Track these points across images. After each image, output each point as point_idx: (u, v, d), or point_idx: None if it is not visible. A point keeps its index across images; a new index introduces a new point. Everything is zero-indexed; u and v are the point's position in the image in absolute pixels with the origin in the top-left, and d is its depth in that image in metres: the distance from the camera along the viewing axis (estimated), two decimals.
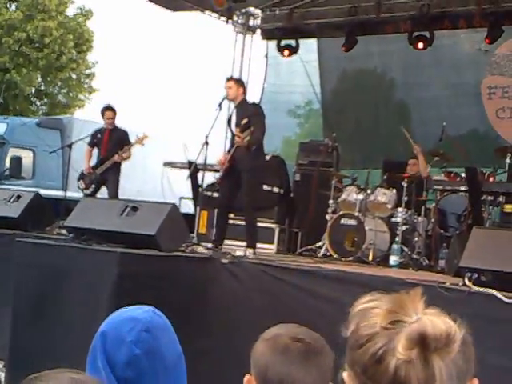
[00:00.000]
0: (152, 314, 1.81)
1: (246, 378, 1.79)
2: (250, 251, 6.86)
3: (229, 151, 7.26)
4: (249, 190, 7.03)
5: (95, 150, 9.51)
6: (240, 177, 7.06)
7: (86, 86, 20.87)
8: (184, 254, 6.19)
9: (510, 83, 10.61)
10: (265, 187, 9.18)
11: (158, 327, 1.79)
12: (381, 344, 1.18)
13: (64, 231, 7.18)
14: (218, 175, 7.39)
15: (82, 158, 9.70)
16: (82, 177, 9.39)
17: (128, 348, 1.72)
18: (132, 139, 9.37)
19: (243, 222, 7.34)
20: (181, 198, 11.60)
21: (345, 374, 1.27)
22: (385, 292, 1.28)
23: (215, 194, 8.63)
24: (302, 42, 11.84)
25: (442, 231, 8.26)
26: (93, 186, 9.24)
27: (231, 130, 7.27)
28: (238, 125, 7.08)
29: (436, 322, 1.17)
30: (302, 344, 1.77)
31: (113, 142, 9.23)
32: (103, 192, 9.45)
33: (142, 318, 1.78)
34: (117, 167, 9.23)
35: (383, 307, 1.22)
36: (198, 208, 8.88)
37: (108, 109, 9.36)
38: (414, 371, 1.15)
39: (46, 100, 20.53)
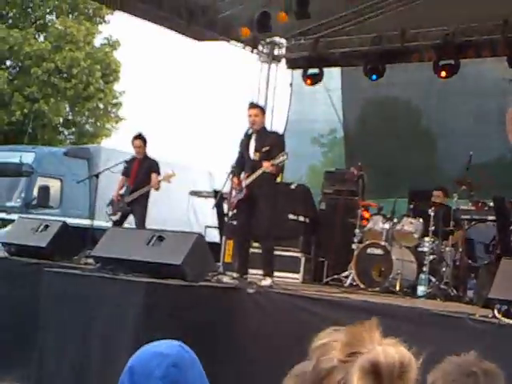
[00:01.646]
0: (179, 348, 1.81)
1: None
2: (268, 279, 6.81)
3: (240, 174, 7.21)
4: (268, 218, 7.00)
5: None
6: (256, 204, 7.03)
7: (112, 115, 21.11)
8: (210, 284, 6.19)
9: None
10: (290, 216, 9.17)
11: (185, 362, 1.78)
12: (339, 377, 1.18)
13: (91, 260, 7.21)
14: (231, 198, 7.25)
15: (109, 187, 9.75)
16: (110, 203, 9.43)
17: (156, 383, 1.72)
18: (161, 169, 9.38)
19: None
20: (206, 227, 11.62)
21: None
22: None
23: None
24: (325, 70, 11.90)
25: (470, 261, 8.17)
26: (119, 214, 9.26)
27: (248, 154, 7.19)
28: (257, 150, 7.07)
29: (388, 350, 1.16)
30: None
31: (142, 172, 9.23)
32: (130, 221, 9.48)
33: (169, 352, 1.78)
34: (145, 199, 9.24)
35: (340, 340, 1.21)
36: (223, 237, 8.88)
37: (137, 138, 9.40)
38: None
39: (73, 129, 20.79)
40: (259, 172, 6.92)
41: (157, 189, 9.23)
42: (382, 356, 1.15)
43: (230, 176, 7.28)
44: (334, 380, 1.18)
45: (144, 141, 9.38)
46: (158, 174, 9.24)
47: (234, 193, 7.14)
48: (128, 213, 9.27)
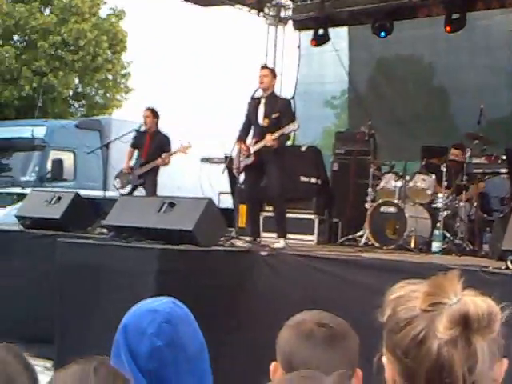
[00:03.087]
0: (172, 304, 1.81)
1: (272, 365, 1.78)
2: (282, 241, 6.83)
3: (245, 138, 7.18)
4: (277, 181, 6.98)
5: (136, 152, 9.53)
6: (264, 169, 7.01)
7: (122, 86, 21.05)
8: (222, 248, 6.20)
9: None
10: (302, 178, 9.14)
11: (178, 318, 1.78)
12: (422, 326, 1.18)
13: (104, 230, 7.24)
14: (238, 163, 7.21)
15: (121, 157, 9.76)
16: (118, 175, 9.44)
17: (149, 340, 1.72)
18: (173, 142, 9.36)
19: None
20: (220, 193, 11.62)
21: (384, 359, 1.27)
22: (424, 279, 1.27)
23: None
24: (333, 30, 11.75)
25: (484, 215, 8.12)
26: (129, 185, 9.28)
27: (256, 118, 7.13)
28: (266, 116, 7.02)
29: (477, 302, 1.18)
30: (327, 329, 1.75)
31: (154, 146, 9.23)
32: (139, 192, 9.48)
33: (161, 309, 1.78)
34: (155, 171, 9.25)
35: (421, 291, 1.22)
36: (236, 202, 8.87)
37: (147, 109, 9.39)
38: (456, 352, 1.15)
39: (83, 102, 20.77)
40: (263, 143, 6.87)
41: (166, 164, 9.23)
42: (472, 307, 1.16)
43: (237, 140, 7.25)
44: (415, 329, 1.19)
45: (154, 113, 9.36)
46: (170, 148, 9.24)
47: (240, 157, 7.11)
48: (138, 185, 9.27)
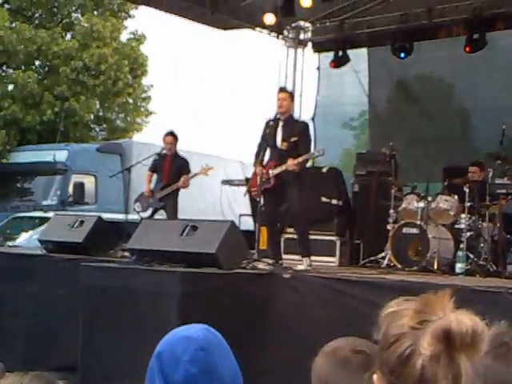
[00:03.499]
0: (206, 331, 1.81)
1: None
2: (306, 261, 6.82)
3: (263, 161, 7.20)
4: (297, 202, 6.98)
5: (154, 175, 9.59)
6: (284, 191, 7.01)
7: (142, 109, 21.19)
8: (245, 271, 6.19)
9: None
10: (323, 199, 9.13)
11: (212, 345, 1.78)
12: (408, 344, 1.18)
13: (127, 254, 7.27)
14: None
15: (142, 180, 9.82)
16: (139, 199, 9.47)
17: (184, 368, 1.71)
18: (192, 164, 9.41)
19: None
20: (240, 215, 11.63)
21: (375, 377, 1.26)
22: (452, 296, 1.27)
23: None
24: (353, 52, 11.79)
25: (508, 236, 8.04)
26: (150, 209, 9.31)
27: (274, 142, 7.16)
28: (285, 140, 7.04)
29: (462, 319, 1.17)
30: (363, 355, 1.73)
31: (174, 169, 9.27)
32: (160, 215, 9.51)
33: (196, 336, 1.77)
34: (176, 193, 9.29)
35: (411, 308, 1.22)
36: (257, 224, 8.87)
37: (168, 134, 9.45)
38: (440, 370, 1.14)
39: (104, 125, 20.93)
40: (284, 167, 6.90)
41: (186, 187, 9.27)
42: (454, 323, 1.16)
43: (254, 163, 7.27)
44: (402, 346, 1.19)
45: (175, 137, 9.43)
46: (189, 171, 9.28)
47: (259, 181, 7.12)
48: (159, 208, 9.30)
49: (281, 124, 7.12)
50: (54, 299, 7.13)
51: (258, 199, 7.26)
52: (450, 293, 1.23)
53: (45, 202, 13.84)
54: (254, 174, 7.25)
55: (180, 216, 9.14)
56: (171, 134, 9.46)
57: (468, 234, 7.78)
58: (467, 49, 10.18)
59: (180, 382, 1.70)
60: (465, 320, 1.16)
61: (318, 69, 12.72)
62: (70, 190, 13.89)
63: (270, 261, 7.03)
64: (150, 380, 1.76)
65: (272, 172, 7.06)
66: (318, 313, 5.74)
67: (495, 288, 5.10)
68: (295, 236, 7.67)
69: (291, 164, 6.77)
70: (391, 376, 1.20)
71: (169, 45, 42.67)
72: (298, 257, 7.32)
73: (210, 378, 1.72)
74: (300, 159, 6.78)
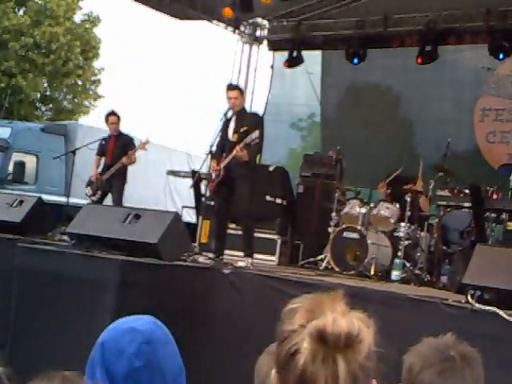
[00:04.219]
0: (153, 325, 1.78)
1: None
2: (248, 260, 6.84)
3: (221, 157, 7.19)
4: (247, 199, 7.00)
5: (103, 159, 9.50)
6: (234, 185, 7.02)
7: (91, 92, 20.90)
8: (185, 264, 6.17)
9: (506, 105, 10.52)
10: (267, 198, 9.17)
11: (158, 339, 1.76)
12: (295, 341, 1.19)
13: (66, 237, 7.16)
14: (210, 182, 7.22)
15: (86, 164, 9.69)
16: (89, 183, 9.38)
17: (128, 360, 1.69)
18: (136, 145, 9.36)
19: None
20: (183, 207, 11.59)
21: (273, 372, 1.28)
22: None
23: None
24: (307, 53, 11.86)
25: (444, 247, 8.23)
26: (99, 192, 9.22)
27: (227, 135, 7.17)
28: (236, 131, 7.06)
29: (339, 320, 1.18)
30: None
31: (118, 148, 9.24)
32: (109, 199, 9.42)
33: (142, 329, 1.75)
34: (122, 174, 9.23)
35: (304, 307, 1.23)
36: (200, 217, 8.86)
37: (111, 114, 9.40)
38: (319, 369, 1.16)
39: (51, 105, 20.55)
40: (231, 155, 6.90)
41: (132, 162, 9.20)
42: (329, 324, 1.17)
43: (209, 158, 7.25)
44: (289, 343, 1.20)
45: (118, 117, 9.40)
46: (134, 148, 9.24)
47: (213, 176, 7.11)
48: (107, 189, 9.23)
49: (234, 118, 7.15)
50: None
51: (210, 194, 7.24)
52: (342, 293, 1.24)
53: None
54: (212, 169, 7.24)
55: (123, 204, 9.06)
56: (113, 113, 9.42)
57: (406, 242, 7.94)
58: (419, 60, 10.35)
59: (122, 373, 1.68)
60: (341, 322, 1.18)
61: (272, 67, 12.74)
62: (10, 168, 13.58)
63: (211, 255, 7.03)
64: (90, 369, 1.73)
65: (222, 163, 7.06)
66: (256, 310, 5.77)
67: (430, 298, 5.21)
68: (237, 232, 7.68)
69: (237, 150, 6.79)
70: (280, 373, 1.23)
71: (124, 29, 42.14)
72: (239, 253, 7.33)
73: (153, 372, 1.70)
74: (241, 144, 6.80)
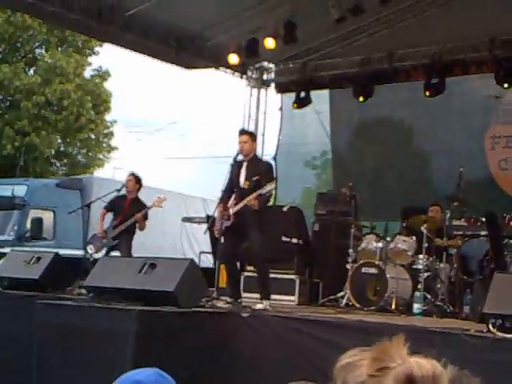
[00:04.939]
0: (157, 376, 1.79)
1: None
2: (266, 302, 6.80)
3: (228, 200, 7.23)
4: (258, 243, 6.99)
5: (109, 214, 9.46)
6: (244, 231, 7.03)
7: (104, 145, 21.14)
8: (203, 310, 6.15)
9: None
10: (283, 238, 9.16)
11: None
12: None
13: (84, 291, 7.17)
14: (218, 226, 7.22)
15: None
16: (91, 241, 9.31)
17: None
18: (152, 201, 9.34)
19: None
20: (201, 253, 11.59)
21: None
22: (407, 341, 1.30)
23: None
24: (315, 93, 11.96)
25: (465, 277, 8.15)
26: (104, 249, 9.19)
27: (237, 181, 7.20)
28: (247, 179, 7.09)
29: (421, 363, 1.18)
30: None
31: (131, 212, 9.15)
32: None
33: (147, 381, 1.76)
34: (130, 235, 9.18)
35: (367, 357, 1.22)
36: (217, 262, 8.84)
37: (130, 175, 9.37)
38: None
39: (65, 161, 20.80)
40: (243, 203, 6.92)
41: (143, 228, 9.15)
42: (416, 368, 1.17)
43: (219, 203, 7.29)
44: None
45: (137, 180, 9.33)
46: (145, 218, 9.17)
47: (221, 220, 7.13)
48: (113, 247, 9.18)
49: (245, 164, 7.19)
50: (9, 337, 6.97)
51: (218, 239, 7.24)
52: (403, 338, 1.24)
53: (1, 237, 13.59)
54: (216, 214, 7.25)
55: (139, 253, 9.05)
56: (133, 174, 9.38)
57: (425, 274, 7.88)
58: (427, 92, 10.39)
59: None
60: (425, 364, 1.18)
61: (281, 109, 12.85)
62: (28, 225, 13.69)
63: (229, 299, 7.00)
64: None
65: (232, 210, 7.08)
66: (277, 352, 5.72)
67: (451, 329, 5.14)
68: (255, 274, 7.67)
69: (250, 199, 6.81)
70: None
71: (133, 80, 42.77)
72: (257, 295, 7.30)
73: None
74: (254, 194, 6.82)
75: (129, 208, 9.20)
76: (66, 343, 5.82)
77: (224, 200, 7.24)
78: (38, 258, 7.86)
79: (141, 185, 9.37)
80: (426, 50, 10.56)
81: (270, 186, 6.89)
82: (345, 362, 1.26)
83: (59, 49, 20.24)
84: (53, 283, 7.56)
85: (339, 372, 1.26)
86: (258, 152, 8.57)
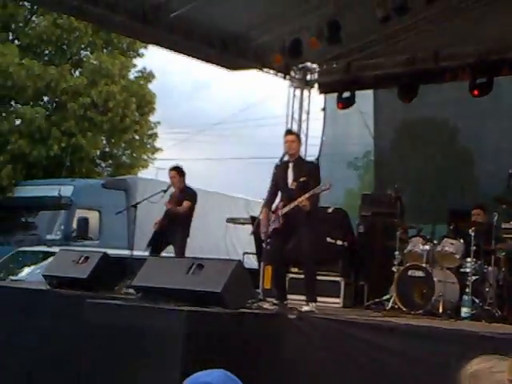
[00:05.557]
0: (225, 377, 1.81)
1: None
2: (312, 304, 6.78)
3: (273, 202, 7.23)
4: (307, 243, 6.97)
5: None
6: (292, 233, 7.02)
7: (148, 146, 21.32)
8: (250, 311, 6.16)
9: None
10: (328, 240, 9.13)
11: None
12: None
13: (132, 290, 7.25)
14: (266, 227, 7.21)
15: (147, 217, 9.80)
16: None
17: None
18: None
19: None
20: (244, 253, 11.62)
21: None
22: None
23: None
24: (359, 93, 11.89)
25: None
26: (161, 247, 9.28)
27: (286, 182, 7.19)
28: (295, 180, 7.08)
29: None
30: None
31: (182, 200, 9.28)
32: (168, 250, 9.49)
33: (216, 382, 1.77)
34: (186, 227, 9.25)
35: (503, 364, 1.34)
36: (262, 263, 8.86)
37: (172, 169, 9.48)
38: None
39: (110, 162, 21.03)
40: (294, 204, 6.91)
41: (185, 213, 9.20)
42: None
43: (264, 206, 7.29)
44: None
45: (178, 172, 9.42)
46: (193, 203, 9.25)
47: (269, 221, 7.13)
48: (168, 240, 9.26)
49: (291, 165, 7.18)
50: (58, 335, 7.09)
51: (265, 241, 7.24)
52: None
53: (48, 237, 13.85)
54: (262, 215, 7.25)
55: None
56: (174, 168, 9.49)
57: (473, 278, 7.75)
58: (475, 92, 10.24)
59: None
60: None
61: (324, 109, 12.81)
62: (74, 224, 13.91)
63: (275, 301, 7.01)
64: None
65: (281, 211, 7.07)
66: (324, 354, 5.71)
67: (501, 334, 5.07)
68: (300, 276, 7.65)
69: (301, 199, 6.79)
70: None
71: (177, 81, 43.05)
72: (302, 297, 7.29)
73: None
74: (307, 195, 6.81)
75: (177, 198, 9.25)
76: (113, 342, 5.88)
77: (269, 203, 7.25)
78: (87, 258, 7.99)
79: (184, 175, 9.44)
80: (473, 49, 10.41)
81: (324, 186, 6.87)
82: (474, 370, 1.29)
83: (104, 51, 20.46)
84: (101, 283, 7.67)
85: (469, 379, 1.29)
86: (301, 153, 8.55)
